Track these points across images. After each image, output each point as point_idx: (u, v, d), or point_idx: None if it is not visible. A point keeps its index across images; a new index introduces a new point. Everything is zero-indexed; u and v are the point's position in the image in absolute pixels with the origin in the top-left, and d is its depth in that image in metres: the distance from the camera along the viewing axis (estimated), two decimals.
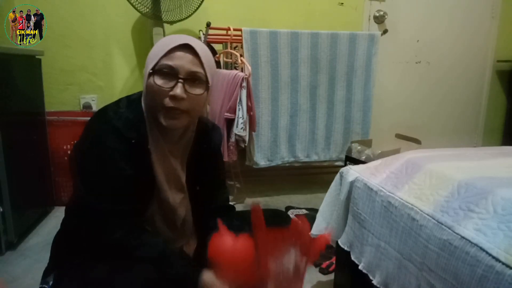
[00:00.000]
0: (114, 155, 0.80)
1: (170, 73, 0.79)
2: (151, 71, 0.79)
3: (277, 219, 1.23)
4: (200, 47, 0.83)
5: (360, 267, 0.91)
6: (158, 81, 0.79)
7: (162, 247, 0.82)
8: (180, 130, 0.89)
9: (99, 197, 0.81)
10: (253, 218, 0.81)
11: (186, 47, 0.81)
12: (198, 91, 0.82)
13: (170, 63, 0.79)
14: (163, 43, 0.82)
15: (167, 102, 0.79)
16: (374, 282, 0.84)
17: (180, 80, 0.79)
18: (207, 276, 0.80)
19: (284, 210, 1.88)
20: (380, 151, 1.85)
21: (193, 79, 0.81)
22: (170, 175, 0.92)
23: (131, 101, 0.88)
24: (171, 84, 0.79)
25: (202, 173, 0.98)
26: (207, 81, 0.83)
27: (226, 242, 0.77)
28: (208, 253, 0.76)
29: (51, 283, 0.88)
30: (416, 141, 2.27)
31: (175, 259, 0.83)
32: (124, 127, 0.82)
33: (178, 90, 0.79)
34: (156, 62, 0.79)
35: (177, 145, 0.92)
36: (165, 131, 0.87)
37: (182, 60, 0.80)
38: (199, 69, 0.82)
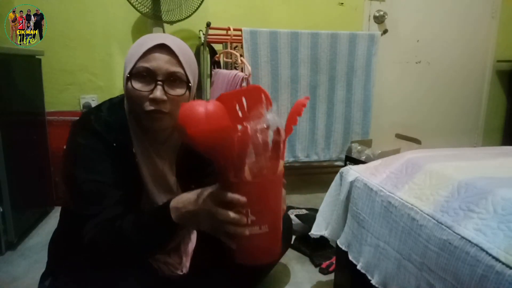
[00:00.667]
0: (96, 159, 0.79)
1: (147, 75, 0.77)
2: (128, 75, 0.77)
3: None
4: (177, 45, 0.80)
5: (358, 267, 0.91)
6: (136, 84, 0.77)
7: (131, 218, 0.77)
8: (165, 132, 0.87)
9: (82, 202, 0.79)
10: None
11: (163, 47, 0.78)
12: (178, 91, 0.80)
13: (147, 65, 0.77)
14: (138, 44, 0.79)
15: (147, 105, 0.77)
16: (373, 282, 0.84)
17: (159, 83, 0.77)
18: (173, 202, 0.74)
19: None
20: (380, 151, 1.85)
21: (172, 79, 0.79)
22: (157, 177, 0.90)
23: (113, 104, 0.87)
24: (150, 87, 0.77)
25: (196, 172, 0.95)
26: (187, 81, 0.81)
27: (196, 105, 0.66)
28: (178, 121, 0.64)
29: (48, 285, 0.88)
30: (416, 141, 2.27)
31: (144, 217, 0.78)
32: (106, 130, 0.80)
33: (158, 92, 0.76)
34: (132, 65, 0.77)
35: (163, 146, 0.90)
36: (149, 133, 0.85)
37: (159, 61, 0.77)
38: (178, 69, 0.79)
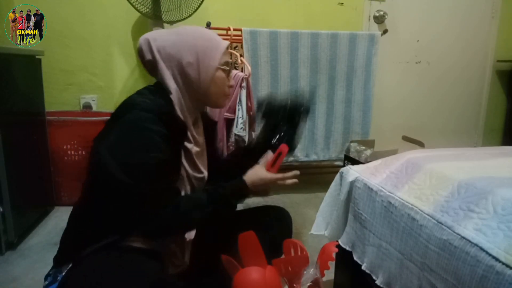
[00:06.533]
0: (159, 139, 0.85)
1: (228, 67, 0.99)
2: (219, 66, 0.96)
3: (278, 216, 1.23)
4: None
5: (363, 267, 0.90)
6: (223, 74, 0.98)
7: (204, 190, 0.98)
8: (197, 114, 1.04)
9: (147, 183, 0.83)
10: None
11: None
12: None
13: (228, 59, 0.99)
14: (214, 40, 0.96)
15: (227, 89, 1.01)
16: (377, 282, 0.84)
17: (232, 72, 1.03)
18: (249, 176, 1.00)
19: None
20: (374, 151, 1.85)
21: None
22: (199, 152, 1.04)
23: (152, 91, 0.94)
24: (229, 75, 1.01)
25: (209, 143, 1.12)
26: None
27: (253, 275, 0.91)
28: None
29: (64, 272, 0.87)
30: (420, 144, 2.27)
31: (218, 186, 0.97)
32: (159, 111, 0.88)
33: (233, 80, 1.05)
34: (219, 59, 0.95)
35: (197, 128, 1.04)
36: (191, 113, 0.98)
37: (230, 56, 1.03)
38: None
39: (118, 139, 0.84)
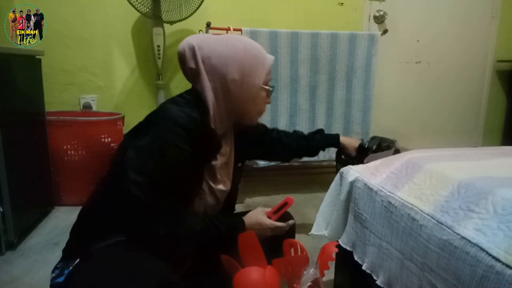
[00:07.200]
0: (182, 159, 0.84)
1: (271, 88, 0.98)
2: (263, 86, 0.95)
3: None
4: None
5: (363, 267, 0.91)
6: (264, 93, 0.97)
7: (202, 220, 0.94)
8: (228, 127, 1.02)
9: (164, 197, 0.83)
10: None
11: None
12: None
13: (270, 78, 0.98)
14: (262, 58, 0.94)
15: (264, 107, 1.01)
16: (378, 282, 0.84)
17: (272, 90, 1.00)
18: (248, 218, 1.01)
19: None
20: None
21: None
22: (224, 165, 1.02)
23: (191, 101, 0.92)
24: (269, 94, 1.00)
25: (242, 150, 1.09)
26: None
27: (253, 275, 0.92)
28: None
29: (71, 266, 0.87)
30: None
31: (216, 220, 0.96)
32: (193, 129, 0.87)
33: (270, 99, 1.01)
34: (264, 78, 0.95)
35: (226, 139, 1.02)
36: (224, 126, 0.96)
37: None
38: None
39: (143, 146, 0.83)
